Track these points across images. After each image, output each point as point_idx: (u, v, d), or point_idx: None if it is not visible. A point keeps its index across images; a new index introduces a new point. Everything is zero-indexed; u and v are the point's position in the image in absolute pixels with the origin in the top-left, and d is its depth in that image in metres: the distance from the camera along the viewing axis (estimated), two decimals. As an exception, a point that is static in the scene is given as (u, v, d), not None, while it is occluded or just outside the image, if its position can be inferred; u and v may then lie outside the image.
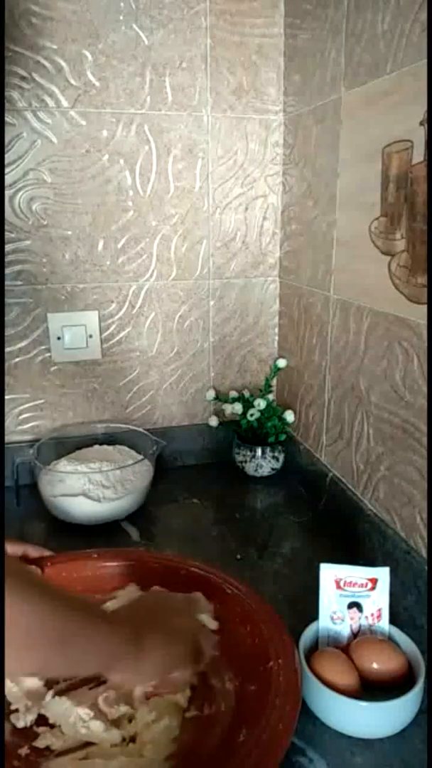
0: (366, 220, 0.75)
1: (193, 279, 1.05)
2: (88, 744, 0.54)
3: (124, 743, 0.54)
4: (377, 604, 0.62)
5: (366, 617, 0.62)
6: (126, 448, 1.01)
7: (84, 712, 0.55)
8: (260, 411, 1.04)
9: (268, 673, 0.55)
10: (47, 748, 0.53)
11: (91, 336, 1.01)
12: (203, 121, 0.98)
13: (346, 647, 0.60)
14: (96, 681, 0.58)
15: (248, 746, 0.49)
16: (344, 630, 0.62)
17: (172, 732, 0.54)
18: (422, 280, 0.64)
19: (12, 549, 0.71)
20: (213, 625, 0.64)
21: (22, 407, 1.02)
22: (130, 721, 0.55)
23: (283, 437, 1.05)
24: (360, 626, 0.62)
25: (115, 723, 0.55)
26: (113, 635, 0.51)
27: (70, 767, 0.51)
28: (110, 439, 1.04)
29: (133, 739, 0.54)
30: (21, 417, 1.03)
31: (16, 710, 0.56)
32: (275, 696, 0.52)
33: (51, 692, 0.58)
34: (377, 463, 0.78)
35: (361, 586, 0.62)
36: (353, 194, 0.79)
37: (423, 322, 0.65)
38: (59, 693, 0.58)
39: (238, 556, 0.83)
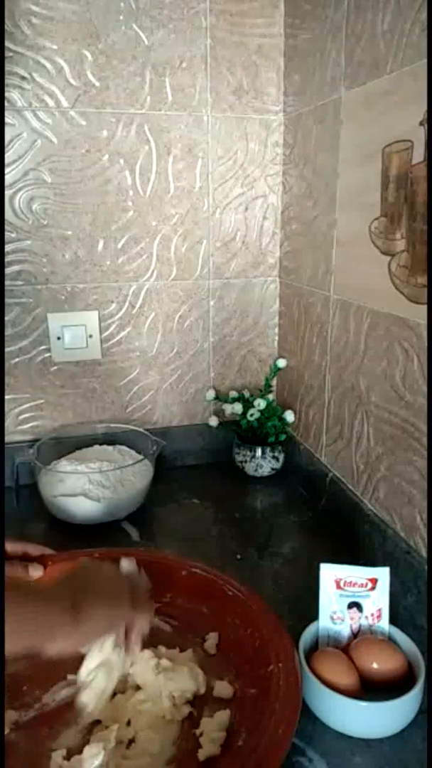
0: (366, 220, 0.75)
1: (193, 279, 1.05)
2: None
3: (123, 745, 0.53)
4: (377, 604, 0.62)
5: (366, 617, 0.62)
6: (126, 448, 1.01)
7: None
8: (260, 411, 1.04)
9: (268, 676, 0.54)
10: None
11: (91, 336, 1.01)
12: (203, 121, 0.98)
13: (346, 647, 0.60)
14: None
15: (247, 751, 0.49)
16: (344, 630, 0.62)
17: (171, 735, 0.54)
18: (422, 280, 0.64)
19: (12, 548, 0.71)
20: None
21: (22, 407, 1.02)
22: (128, 724, 0.55)
23: (283, 437, 1.05)
24: (360, 626, 0.62)
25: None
26: (48, 608, 0.52)
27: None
28: (110, 439, 1.04)
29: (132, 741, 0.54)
30: (21, 417, 1.03)
31: None
32: (275, 700, 0.52)
33: None
34: (377, 463, 0.78)
35: (361, 586, 0.62)
36: (353, 194, 0.79)
37: (423, 322, 0.65)
38: None
39: (238, 556, 0.83)
